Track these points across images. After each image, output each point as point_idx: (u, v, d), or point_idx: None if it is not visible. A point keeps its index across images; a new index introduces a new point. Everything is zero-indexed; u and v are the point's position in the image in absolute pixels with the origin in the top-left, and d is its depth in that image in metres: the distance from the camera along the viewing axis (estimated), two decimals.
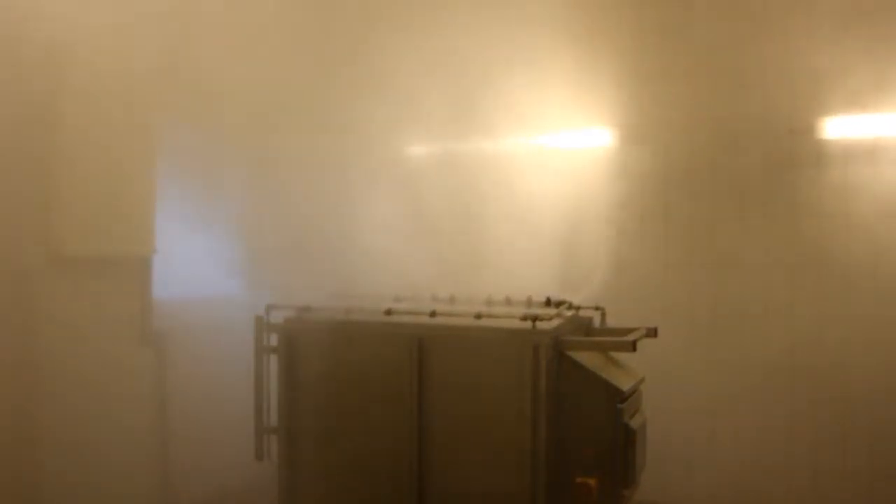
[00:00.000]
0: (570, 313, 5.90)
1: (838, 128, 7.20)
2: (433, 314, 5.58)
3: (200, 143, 6.99)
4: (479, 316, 5.53)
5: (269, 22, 7.01)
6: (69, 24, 5.83)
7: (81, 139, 6.10)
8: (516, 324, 5.32)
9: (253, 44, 6.88)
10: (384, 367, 5.54)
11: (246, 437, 5.95)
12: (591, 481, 5.16)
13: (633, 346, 5.36)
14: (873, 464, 6.97)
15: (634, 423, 5.36)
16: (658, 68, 7.56)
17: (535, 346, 5.15)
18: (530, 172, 7.77)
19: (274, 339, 5.91)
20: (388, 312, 5.68)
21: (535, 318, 5.29)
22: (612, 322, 6.17)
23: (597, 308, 6.21)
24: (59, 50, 5.88)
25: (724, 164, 7.49)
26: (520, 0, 7.44)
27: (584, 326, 6.03)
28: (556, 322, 5.44)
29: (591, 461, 5.19)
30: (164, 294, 6.85)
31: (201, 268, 6.80)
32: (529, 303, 6.19)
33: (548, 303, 6.13)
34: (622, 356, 5.70)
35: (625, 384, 5.37)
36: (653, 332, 5.89)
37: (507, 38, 7.40)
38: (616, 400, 5.23)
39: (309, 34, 7.26)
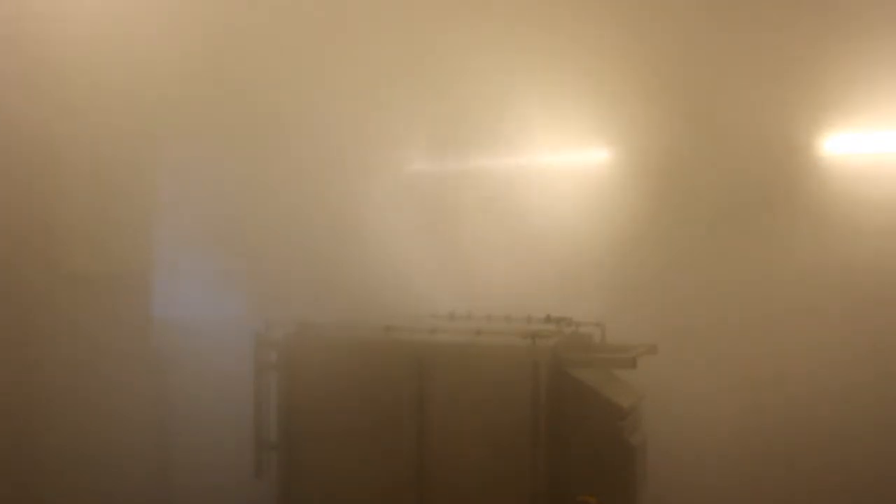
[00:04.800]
0: (569, 330, 5.89)
1: (839, 144, 7.22)
2: (433, 331, 5.58)
3: (202, 158, 7.01)
4: (478, 333, 5.53)
5: (276, 32, 7.04)
6: (70, 43, 5.87)
7: (82, 158, 6.13)
8: (516, 341, 5.32)
9: (258, 53, 6.91)
10: (384, 383, 5.54)
11: (245, 454, 5.93)
12: (592, 500, 5.14)
13: (633, 363, 5.36)
14: (875, 477, 6.94)
15: (635, 441, 5.35)
16: (658, 86, 7.57)
17: (535, 363, 5.15)
18: (531, 189, 7.78)
19: (274, 356, 5.90)
20: (389, 329, 5.69)
21: (534, 335, 5.28)
22: (612, 338, 6.15)
23: (596, 324, 6.20)
24: (60, 70, 5.91)
25: (725, 179, 7.50)
26: (524, 24, 7.47)
27: (584, 343, 6.02)
28: (555, 339, 5.44)
29: (591, 479, 5.18)
30: (165, 311, 6.85)
31: (202, 284, 6.80)
32: (529, 320, 6.18)
33: (547, 320, 6.12)
34: (622, 372, 5.70)
35: (625, 401, 5.36)
36: (653, 349, 5.88)
37: (508, 58, 7.43)
38: (616, 417, 5.22)
39: (316, 48, 7.28)
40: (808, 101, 7.24)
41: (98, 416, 6.17)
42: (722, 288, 7.49)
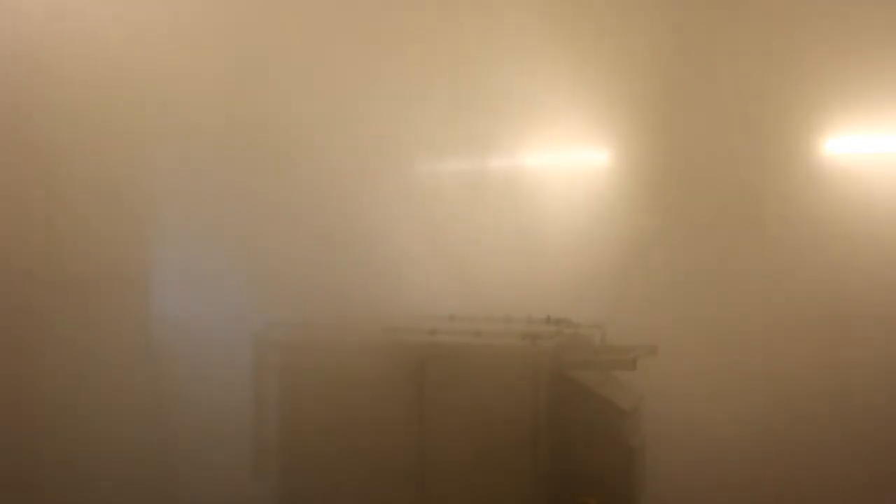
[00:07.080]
0: (569, 331, 5.89)
1: (839, 146, 7.24)
2: (433, 332, 5.59)
3: (202, 159, 7.00)
4: (478, 334, 5.52)
5: (278, 31, 7.04)
6: (70, 44, 5.87)
7: (81, 155, 6.12)
8: (516, 342, 5.33)
9: (259, 53, 6.90)
10: (384, 385, 5.54)
11: (245, 455, 5.93)
12: (592, 501, 5.14)
13: (632, 365, 5.36)
14: (875, 478, 6.95)
15: (635, 443, 5.35)
16: (660, 88, 7.58)
17: (535, 364, 5.16)
18: (531, 190, 7.78)
19: (274, 357, 5.90)
20: (389, 330, 5.69)
21: (534, 337, 5.29)
22: (612, 340, 6.15)
23: (596, 326, 6.19)
24: (59, 71, 5.91)
25: (726, 181, 7.51)
26: (526, 27, 7.47)
27: (584, 344, 6.02)
28: (555, 340, 5.44)
29: (591, 481, 5.19)
30: (164, 312, 6.85)
31: (202, 285, 6.80)
32: (529, 321, 6.18)
33: (548, 321, 6.11)
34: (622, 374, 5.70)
35: (625, 403, 5.37)
36: (653, 351, 5.88)
37: (510, 59, 7.44)
38: (617, 419, 5.23)
39: (317, 48, 7.28)
40: (808, 103, 7.25)
41: (98, 417, 6.17)
42: (722, 290, 7.49)
